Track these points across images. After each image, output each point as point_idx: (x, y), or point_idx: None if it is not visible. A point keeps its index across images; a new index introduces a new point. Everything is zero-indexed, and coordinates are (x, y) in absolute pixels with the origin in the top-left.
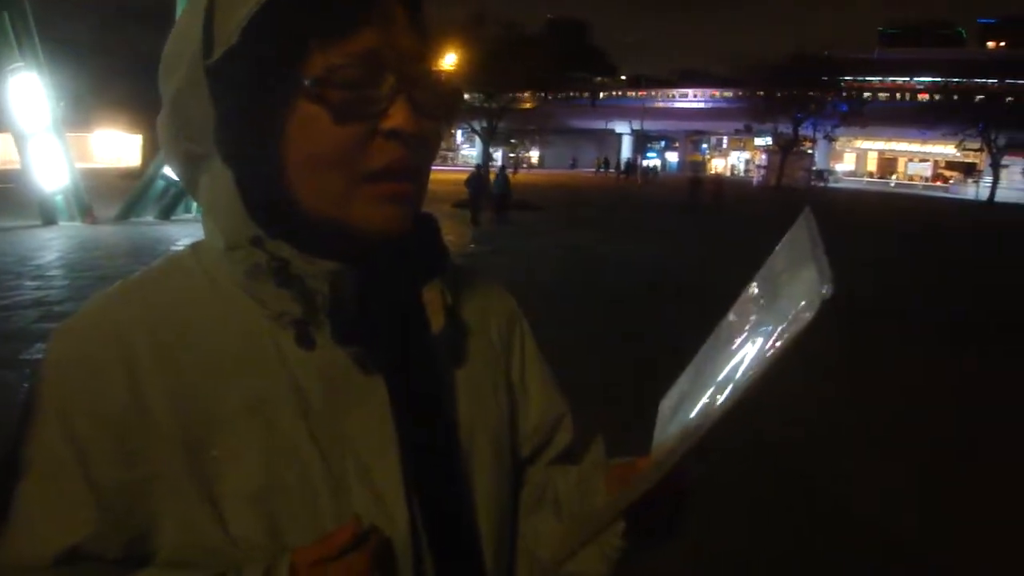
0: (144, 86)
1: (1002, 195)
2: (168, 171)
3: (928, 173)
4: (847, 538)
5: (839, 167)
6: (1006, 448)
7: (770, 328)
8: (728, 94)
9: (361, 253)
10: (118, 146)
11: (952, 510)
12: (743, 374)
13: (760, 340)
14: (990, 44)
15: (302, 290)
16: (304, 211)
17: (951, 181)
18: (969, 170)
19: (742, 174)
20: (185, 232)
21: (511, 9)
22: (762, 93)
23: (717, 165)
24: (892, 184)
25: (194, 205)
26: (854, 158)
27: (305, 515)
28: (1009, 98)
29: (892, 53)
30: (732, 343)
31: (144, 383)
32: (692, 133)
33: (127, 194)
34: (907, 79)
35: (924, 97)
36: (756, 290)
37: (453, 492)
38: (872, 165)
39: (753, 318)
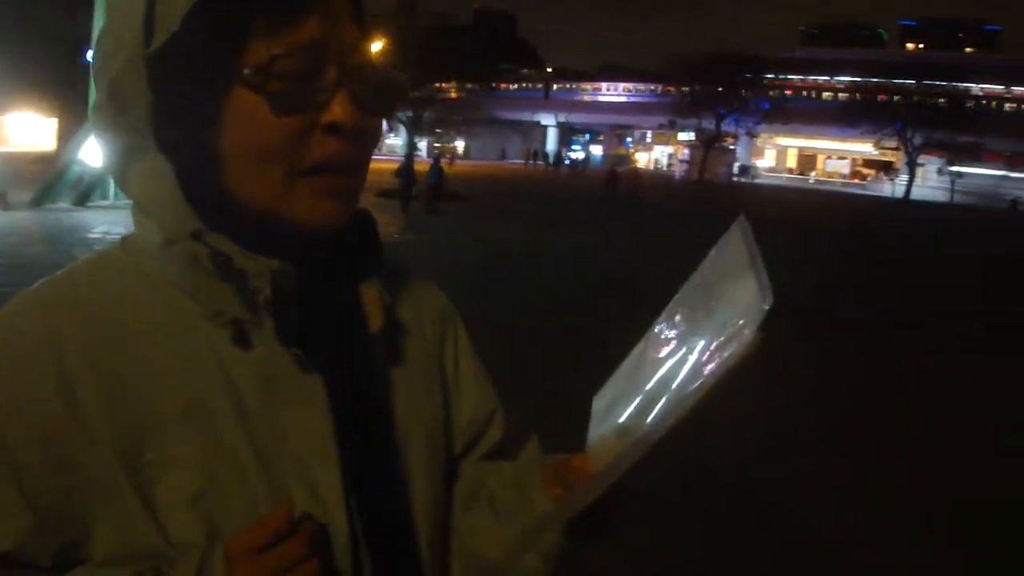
0: (60, 69)
1: (917, 193)
2: (84, 156)
3: (847, 170)
4: (794, 537)
5: (760, 163)
6: (948, 442)
7: (705, 341)
8: (653, 89)
9: (299, 249)
10: (33, 130)
11: (895, 508)
12: (679, 387)
13: (696, 353)
14: (909, 45)
15: (243, 287)
16: (241, 205)
17: (868, 179)
18: (886, 168)
19: (665, 168)
20: (102, 219)
21: None
22: (686, 89)
23: (641, 159)
24: (811, 181)
25: (111, 191)
26: (774, 154)
27: (244, 517)
28: (926, 98)
29: (814, 52)
30: (660, 352)
31: (75, 385)
32: (617, 127)
33: (42, 179)
34: (828, 78)
35: (845, 96)
36: (689, 298)
37: (390, 490)
38: (792, 162)
39: (684, 328)
